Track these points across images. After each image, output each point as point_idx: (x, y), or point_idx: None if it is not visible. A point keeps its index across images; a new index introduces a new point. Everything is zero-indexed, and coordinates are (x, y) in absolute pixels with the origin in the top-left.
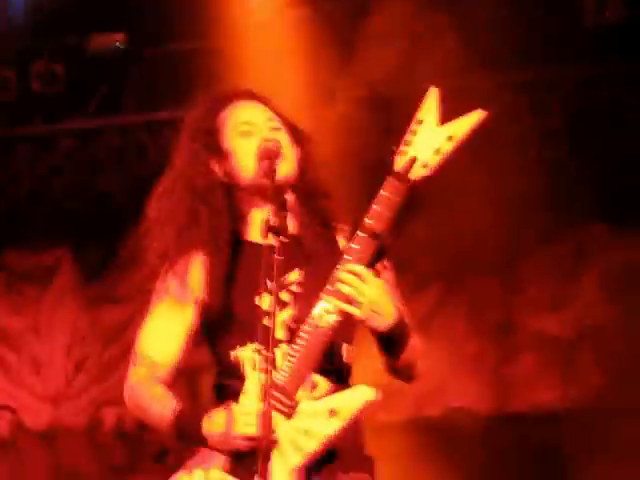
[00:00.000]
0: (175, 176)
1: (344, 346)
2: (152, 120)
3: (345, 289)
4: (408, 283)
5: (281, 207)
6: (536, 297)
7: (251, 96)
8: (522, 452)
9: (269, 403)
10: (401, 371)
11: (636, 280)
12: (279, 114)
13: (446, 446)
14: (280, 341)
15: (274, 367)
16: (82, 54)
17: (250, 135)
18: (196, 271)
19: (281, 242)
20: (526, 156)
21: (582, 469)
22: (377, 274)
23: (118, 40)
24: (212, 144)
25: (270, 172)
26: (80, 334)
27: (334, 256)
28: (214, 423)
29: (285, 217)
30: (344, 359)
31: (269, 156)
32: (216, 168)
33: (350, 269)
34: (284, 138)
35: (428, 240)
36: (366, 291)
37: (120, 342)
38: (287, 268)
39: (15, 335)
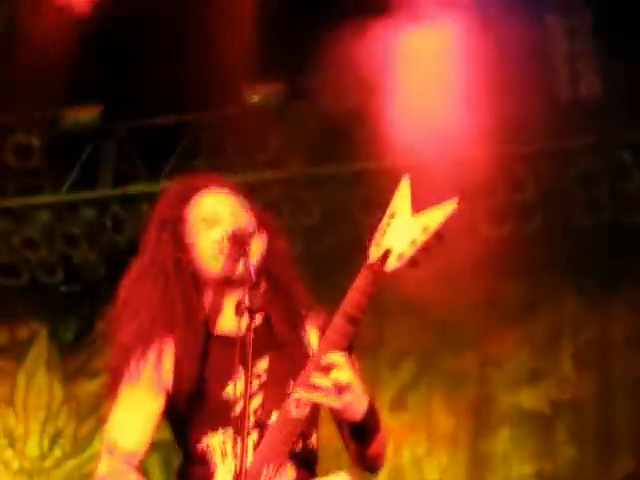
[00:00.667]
0: (146, 262)
1: (314, 434)
2: (127, 194)
3: (324, 382)
4: (384, 358)
5: (254, 287)
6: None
7: (218, 184)
8: None
9: None
10: (369, 461)
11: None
12: (245, 201)
13: None
14: (250, 429)
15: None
16: (57, 128)
17: (213, 226)
18: (167, 359)
19: (254, 324)
20: (501, 230)
21: None
22: (352, 363)
23: (93, 114)
24: (179, 236)
25: (242, 256)
26: (55, 408)
27: (302, 343)
28: None
29: (260, 296)
30: (313, 447)
31: (240, 241)
32: (184, 259)
33: (330, 360)
34: (250, 225)
35: (402, 316)
36: (345, 381)
37: (95, 416)
38: (256, 356)
39: None
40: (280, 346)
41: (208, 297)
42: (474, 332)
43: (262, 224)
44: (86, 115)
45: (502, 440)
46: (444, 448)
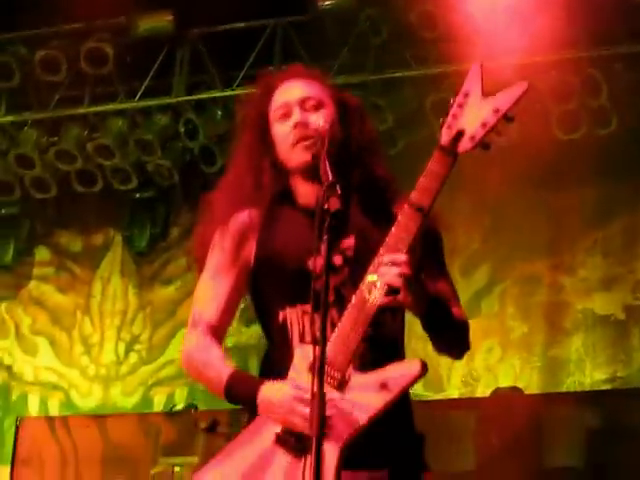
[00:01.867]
0: (238, 159)
1: (392, 317)
2: (201, 100)
3: (386, 276)
4: (458, 264)
5: (331, 186)
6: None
7: (298, 74)
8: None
9: (321, 390)
10: (447, 349)
11: None
12: (326, 88)
13: (496, 425)
14: (330, 305)
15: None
16: (131, 35)
17: (285, 119)
18: (251, 231)
19: (335, 209)
20: (576, 134)
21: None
22: (416, 254)
23: (166, 20)
24: (264, 131)
25: (302, 157)
26: (130, 315)
27: (388, 224)
28: (269, 394)
29: (336, 197)
30: (393, 331)
31: (299, 141)
32: (269, 155)
33: (390, 256)
34: (322, 116)
35: (477, 222)
36: (402, 275)
37: (170, 322)
38: (342, 233)
39: (66, 315)
40: (368, 226)
41: (295, 181)
42: (548, 238)
43: (343, 111)
44: (159, 21)
45: (575, 346)
46: (518, 354)
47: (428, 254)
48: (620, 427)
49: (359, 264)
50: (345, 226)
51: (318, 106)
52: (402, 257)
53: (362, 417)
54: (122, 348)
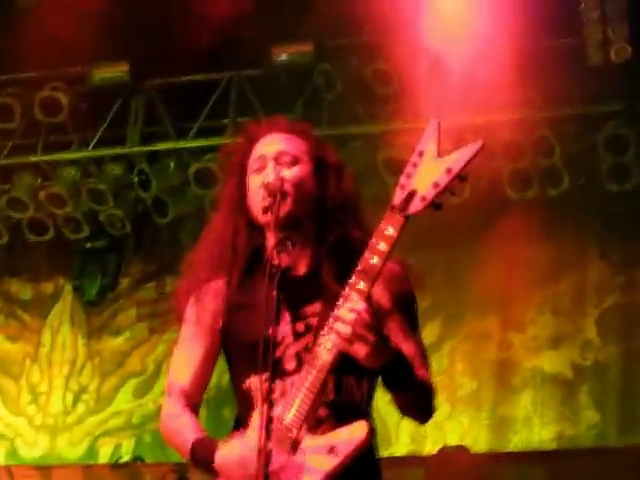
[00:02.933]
0: (219, 208)
1: (357, 382)
2: (155, 151)
3: (343, 328)
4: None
5: (280, 244)
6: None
7: (279, 127)
8: None
9: (265, 439)
10: (409, 411)
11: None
12: (306, 143)
13: None
14: (291, 372)
15: (283, 399)
16: (86, 84)
17: (260, 171)
18: (217, 298)
19: (289, 277)
20: (527, 193)
21: None
22: (383, 311)
23: (122, 70)
24: (243, 183)
25: (271, 209)
26: (79, 365)
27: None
28: (224, 455)
29: (286, 253)
30: (356, 395)
31: (271, 194)
32: (245, 212)
33: (350, 307)
34: (297, 172)
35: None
36: (364, 329)
37: (118, 373)
38: (307, 300)
39: (15, 363)
40: (330, 293)
41: (269, 239)
42: (497, 295)
43: (322, 165)
44: (115, 72)
45: (524, 404)
46: (466, 411)
47: (400, 313)
48: None
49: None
50: (314, 290)
51: (293, 162)
52: (358, 305)
53: None
54: (70, 398)
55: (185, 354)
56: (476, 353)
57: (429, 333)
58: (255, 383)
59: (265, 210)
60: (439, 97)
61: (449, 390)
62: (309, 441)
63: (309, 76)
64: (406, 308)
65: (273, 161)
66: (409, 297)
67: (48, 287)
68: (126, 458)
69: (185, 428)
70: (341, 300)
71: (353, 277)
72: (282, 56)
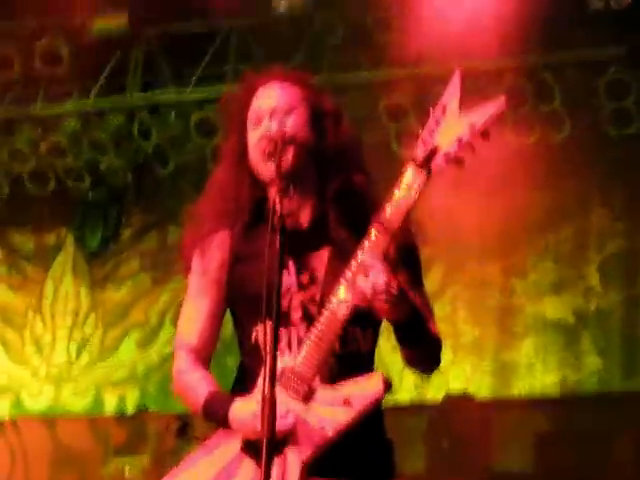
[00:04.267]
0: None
1: (362, 333)
2: (155, 101)
3: (358, 282)
4: None
5: (283, 190)
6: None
7: (276, 77)
8: (522, 436)
9: (271, 393)
10: (419, 363)
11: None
12: (303, 92)
13: (446, 429)
14: (296, 323)
15: (289, 349)
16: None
17: (257, 126)
18: (222, 250)
19: (292, 227)
20: (529, 139)
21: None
22: (391, 264)
23: (121, 20)
24: (244, 136)
25: (273, 159)
26: (82, 315)
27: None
28: (239, 409)
29: (289, 200)
30: (362, 346)
31: (271, 145)
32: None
33: (363, 262)
34: (294, 121)
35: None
36: (376, 285)
37: (122, 323)
38: (311, 249)
39: (18, 315)
40: (346, 238)
41: (271, 192)
42: (499, 242)
43: (319, 113)
44: (114, 22)
45: (526, 350)
46: (468, 358)
47: (404, 267)
48: (569, 432)
49: (333, 278)
50: (319, 240)
51: (288, 112)
52: (375, 266)
53: (327, 431)
54: (74, 349)
55: (192, 308)
56: (478, 300)
57: (431, 281)
58: (261, 333)
59: (267, 160)
60: (439, 43)
61: (452, 337)
62: (323, 392)
63: (310, 24)
64: (411, 261)
65: (269, 114)
66: (414, 250)
67: (50, 238)
68: (131, 409)
69: (197, 383)
70: (359, 253)
71: (372, 230)
72: (281, 4)
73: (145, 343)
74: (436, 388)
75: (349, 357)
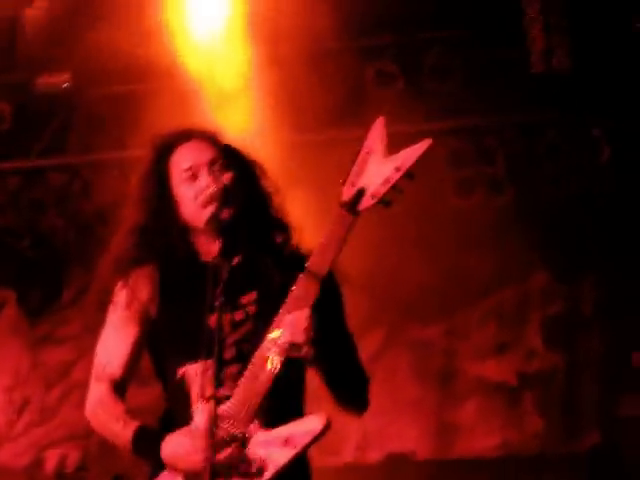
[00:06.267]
0: (133, 216)
1: (297, 374)
2: (96, 159)
3: (296, 337)
4: (350, 328)
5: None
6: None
7: (199, 134)
8: None
9: (212, 433)
10: (350, 403)
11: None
12: (228, 149)
13: None
14: (228, 361)
15: (221, 384)
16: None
17: (193, 181)
18: (149, 284)
19: (235, 264)
20: (470, 201)
21: None
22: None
23: (64, 80)
24: (165, 192)
25: (213, 218)
26: (23, 375)
27: (290, 280)
28: (172, 446)
29: (226, 265)
30: (296, 388)
31: (210, 202)
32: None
33: (293, 314)
34: (229, 177)
35: (370, 286)
36: (304, 334)
37: (63, 384)
38: (243, 289)
39: None
40: (266, 282)
41: (195, 235)
42: (441, 303)
43: (245, 171)
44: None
45: (468, 412)
46: (410, 418)
47: (328, 309)
48: None
49: (262, 319)
50: (249, 280)
51: (224, 168)
52: (305, 313)
53: (265, 474)
54: (14, 409)
55: (116, 339)
56: (421, 361)
57: (372, 341)
58: (190, 372)
59: (210, 216)
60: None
61: (393, 398)
62: (261, 435)
63: None
64: (334, 303)
65: (206, 168)
66: (336, 291)
67: None
68: (71, 469)
69: (122, 416)
70: (288, 302)
71: (300, 278)
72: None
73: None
74: (377, 448)
75: (285, 400)
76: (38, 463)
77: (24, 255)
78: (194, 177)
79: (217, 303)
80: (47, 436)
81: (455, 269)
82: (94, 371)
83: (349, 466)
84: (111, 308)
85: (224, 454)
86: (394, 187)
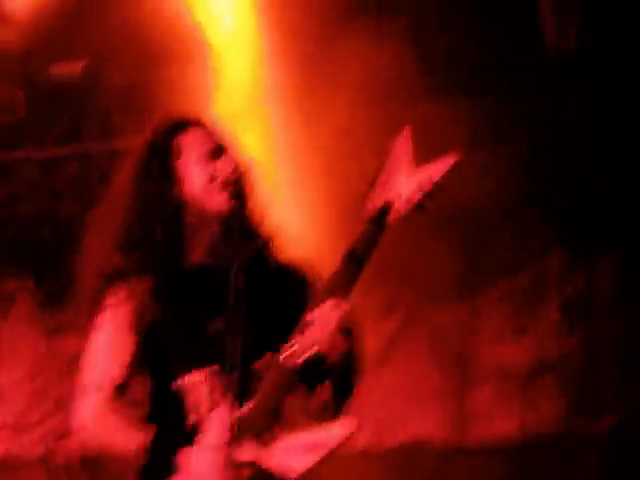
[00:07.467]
0: (122, 196)
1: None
2: (114, 148)
3: (314, 332)
4: (369, 312)
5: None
6: (496, 327)
7: (207, 124)
8: None
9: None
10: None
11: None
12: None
13: (404, 477)
14: (233, 369)
15: (232, 396)
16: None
17: (209, 162)
18: (143, 295)
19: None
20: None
21: None
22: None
23: (79, 67)
24: (168, 167)
25: (227, 203)
26: (39, 365)
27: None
28: (192, 459)
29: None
30: (317, 392)
31: (226, 187)
32: (174, 191)
33: (322, 311)
34: (240, 168)
35: (388, 270)
36: (332, 333)
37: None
38: (246, 294)
39: None
40: (267, 288)
41: (190, 228)
42: (459, 286)
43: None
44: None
45: (486, 395)
46: (428, 404)
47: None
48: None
49: (262, 323)
50: (251, 283)
51: (231, 154)
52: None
53: (288, 477)
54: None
55: (113, 346)
56: (439, 344)
57: (391, 326)
58: (194, 380)
59: (225, 203)
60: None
61: (411, 381)
62: (283, 440)
63: None
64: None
65: (222, 155)
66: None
67: (9, 285)
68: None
69: (133, 419)
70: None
71: (332, 282)
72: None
73: None
74: (393, 434)
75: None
76: (53, 453)
77: (42, 244)
78: (211, 159)
79: (225, 309)
80: (62, 426)
81: (471, 253)
82: (92, 378)
83: (365, 453)
84: (104, 313)
85: (239, 472)
86: (422, 201)
